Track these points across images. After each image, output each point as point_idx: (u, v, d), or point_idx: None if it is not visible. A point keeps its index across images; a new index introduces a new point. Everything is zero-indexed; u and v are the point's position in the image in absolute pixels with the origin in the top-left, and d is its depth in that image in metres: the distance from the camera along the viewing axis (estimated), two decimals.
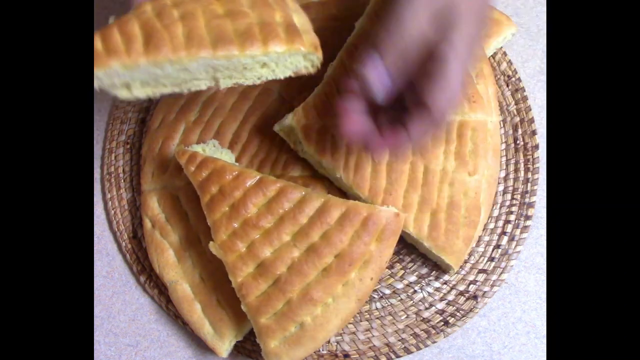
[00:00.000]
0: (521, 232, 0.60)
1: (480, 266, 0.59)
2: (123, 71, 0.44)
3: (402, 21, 0.38)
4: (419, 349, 0.57)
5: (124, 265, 0.64)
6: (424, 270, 0.60)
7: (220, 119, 0.64)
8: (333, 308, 0.52)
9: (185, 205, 0.61)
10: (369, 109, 0.43)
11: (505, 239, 0.60)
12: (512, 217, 0.60)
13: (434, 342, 0.57)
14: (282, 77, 0.50)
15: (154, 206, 0.62)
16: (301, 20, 0.49)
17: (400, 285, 0.59)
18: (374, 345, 0.57)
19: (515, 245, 0.59)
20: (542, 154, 0.62)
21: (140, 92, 0.47)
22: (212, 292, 0.57)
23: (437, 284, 0.59)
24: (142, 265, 0.63)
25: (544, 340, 0.57)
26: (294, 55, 0.48)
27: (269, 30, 0.47)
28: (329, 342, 0.58)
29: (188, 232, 0.60)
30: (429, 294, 0.59)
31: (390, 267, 0.60)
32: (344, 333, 0.58)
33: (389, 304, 0.59)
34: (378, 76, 0.39)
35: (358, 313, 0.58)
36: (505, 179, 0.62)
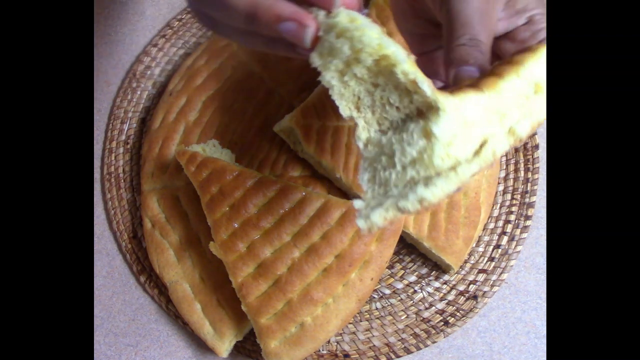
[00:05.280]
0: (521, 232, 0.60)
1: (480, 266, 0.59)
2: None
3: None
4: (419, 349, 0.57)
5: (124, 265, 0.64)
6: (424, 270, 0.60)
7: (220, 119, 0.64)
8: (333, 308, 0.52)
9: (185, 205, 0.61)
10: None
11: (505, 239, 0.60)
12: (512, 217, 0.60)
13: (434, 342, 0.57)
14: None
15: (154, 206, 0.62)
16: None
17: (400, 285, 0.59)
18: (374, 345, 0.57)
19: (515, 245, 0.59)
20: (542, 154, 0.62)
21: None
22: (212, 292, 0.57)
23: (437, 284, 0.59)
24: (142, 265, 0.63)
25: (544, 340, 0.57)
26: None
27: None
28: (329, 342, 0.58)
29: (188, 232, 0.60)
30: (429, 294, 0.59)
31: (390, 267, 0.60)
32: (344, 333, 0.58)
33: (389, 304, 0.59)
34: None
35: (358, 313, 0.58)
36: (505, 179, 0.62)
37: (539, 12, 0.43)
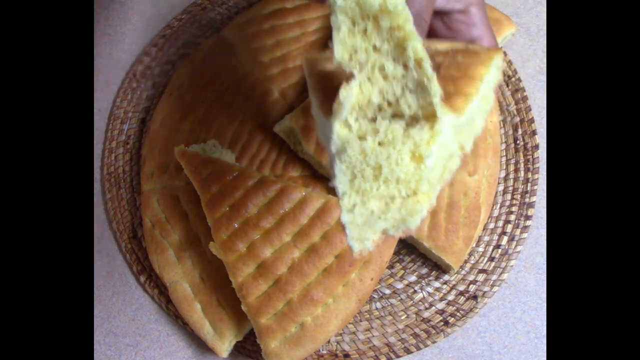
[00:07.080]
0: (521, 232, 0.60)
1: (480, 266, 0.59)
2: None
3: None
4: (419, 349, 0.57)
5: (124, 265, 0.64)
6: (424, 270, 0.60)
7: (220, 119, 0.64)
8: (333, 308, 0.52)
9: (185, 205, 0.61)
10: None
11: (505, 239, 0.60)
12: (512, 217, 0.60)
13: (434, 342, 0.57)
14: None
15: (154, 206, 0.62)
16: None
17: (400, 285, 0.59)
18: (374, 345, 0.57)
19: (515, 245, 0.59)
20: (542, 154, 0.62)
21: None
22: (212, 292, 0.57)
23: (437, 284, 0.59)
24: (142, 265, 0.63)
25: (544, 340, 0.57)
26: None
27: None
28: (329, 342, 0.58)
29: (188, 232, 0.60)
30: (429, 294, 0.59)
31: (390, 267, 0.60)
32: (344, 333, 0.58)
33: (389, 304, 0.59)
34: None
35: (358, 313, 0.58)
36: (505, 179, 0.62)
37: (476, 4, 0.43)
